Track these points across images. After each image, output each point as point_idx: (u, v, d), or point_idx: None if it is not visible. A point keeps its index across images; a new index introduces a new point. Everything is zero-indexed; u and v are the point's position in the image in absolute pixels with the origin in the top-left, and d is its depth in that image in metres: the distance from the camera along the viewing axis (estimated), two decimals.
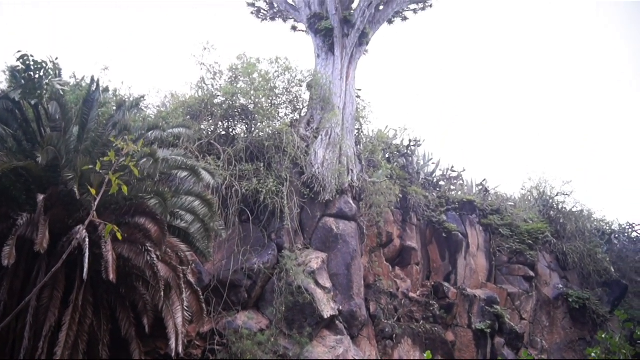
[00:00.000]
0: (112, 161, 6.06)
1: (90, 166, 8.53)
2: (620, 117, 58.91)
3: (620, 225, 27.85)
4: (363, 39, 21.69)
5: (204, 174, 12.69)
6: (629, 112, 58.88)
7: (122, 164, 6.40)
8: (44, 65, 11.14)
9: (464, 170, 25.15)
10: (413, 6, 26.01)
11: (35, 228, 9.58)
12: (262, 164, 16.45)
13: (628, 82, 59.29)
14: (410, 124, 21.82)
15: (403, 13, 26.33)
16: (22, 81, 10.79)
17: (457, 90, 60.43)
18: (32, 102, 11.17)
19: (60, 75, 13.01)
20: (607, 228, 26.95)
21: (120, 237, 6.10)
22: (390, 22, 25.71)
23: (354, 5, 22.88)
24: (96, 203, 5.95)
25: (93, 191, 6.03)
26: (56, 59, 12.02)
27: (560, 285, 22.42)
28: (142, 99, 16.81)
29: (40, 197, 9.91)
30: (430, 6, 25.97)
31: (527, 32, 61.38)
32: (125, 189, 5.96)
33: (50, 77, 11.23)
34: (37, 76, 10.84)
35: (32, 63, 10.85)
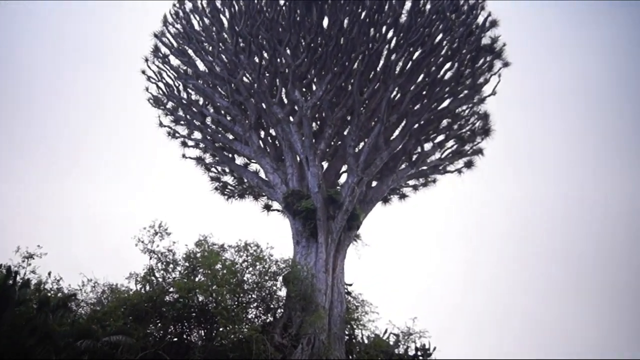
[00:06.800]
0: None
1: None
2: None
3: None
4: (353, 222, 19.26)
5: None
6: None
7: None
8: None
9: None
10: (413, 182, 24.12)
11: None
12: None
13: None
14: (417, 325, 18.58)
15: (401, 190, 24.55)
16: None
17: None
18: None
19: None
20: None
21: None
22: (385, 200, 23.92)
23: (341, 180, 21.22)
24: None
25: None
26: None
27: None
28: (72, 297, 15.98)
29: None
30: (434, 181, 24.08)
31: None
32: None
33: None
34: None
35: None
